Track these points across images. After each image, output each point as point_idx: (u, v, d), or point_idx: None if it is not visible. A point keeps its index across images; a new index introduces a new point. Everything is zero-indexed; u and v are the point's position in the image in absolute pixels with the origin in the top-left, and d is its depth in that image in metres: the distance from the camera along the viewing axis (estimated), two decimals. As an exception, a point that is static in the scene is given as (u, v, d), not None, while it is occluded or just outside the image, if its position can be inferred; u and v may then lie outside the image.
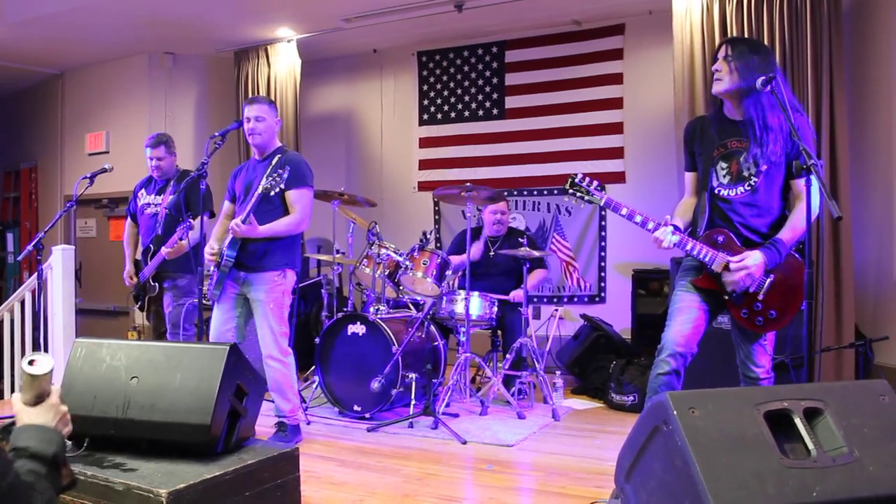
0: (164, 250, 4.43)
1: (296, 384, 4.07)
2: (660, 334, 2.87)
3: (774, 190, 2.85)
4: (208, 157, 3.76)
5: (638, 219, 2.87)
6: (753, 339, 2.87)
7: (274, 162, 3.90)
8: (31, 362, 1.51)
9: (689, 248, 2.83)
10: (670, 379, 2.76)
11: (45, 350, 5.50)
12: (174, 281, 4.65)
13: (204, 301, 3.95)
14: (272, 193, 3.76)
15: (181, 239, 4.37)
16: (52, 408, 1.52)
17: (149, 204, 4.79)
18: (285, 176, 3.70)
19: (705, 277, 2.87)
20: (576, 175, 3.04)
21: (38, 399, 1.52)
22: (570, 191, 3.03)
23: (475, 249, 5.32)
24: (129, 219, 5.02)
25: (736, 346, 2.96)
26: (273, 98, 6.95)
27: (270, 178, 3.68)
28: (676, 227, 2.85)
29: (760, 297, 2.79)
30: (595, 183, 3.03)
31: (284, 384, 3.95)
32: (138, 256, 4.83)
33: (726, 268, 2.79)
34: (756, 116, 2.79)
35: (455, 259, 5.17)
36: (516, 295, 5.16)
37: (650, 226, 2.86)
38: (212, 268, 3.91)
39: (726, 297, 2.84)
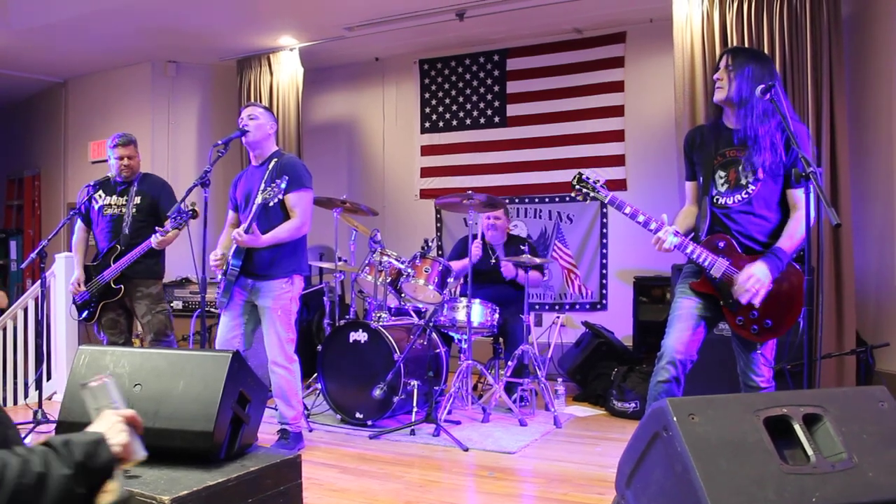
0: (154, 238, 4.25)
1: (300, 391, 4.08)
2: (661, 341, 2.88)
3: (772, 198, 2.86)
4: (211, 166, 3.78)
5: (641, 218, 2.89)
6: (752, 347, 2.88)
7: (271, 167, 3.93)
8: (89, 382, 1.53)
9: (689, 251, 2.85)
10: (670, 386, 2.76)
11: (48, 357, 5.52)
12: (147, 289, 4.54)
13: (211, 309, 3.95)
14: (271, 204, 3.78)
15: (164, 233, 4.25)
16: (109, 417, 1.46)
17: (109, 205, 4.61)
18: (283, 186, 3.71)
19: (704, 281, 2.88)
20: (584, 171, 3.06)
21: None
22: (577, 186, 3.04)
23: (475, 250, 5.33)
24: (79, 222, 4.78)
25: (736, 355, 2.97)
26: (276, 106, 7.00)
27: (269, 189, 3.70)
28: (676, 232, 2.87)
29: (757, 305, 2.80)
30: (602, 180, 3.05)
31: (289, 391, 3.96)
32: (89, 262, 4.64)
33: (731, 280, 2.80)
34: (749, 126, 2.82)
35: (456, 265, 5.18)
36: (506, 271, 5.28)
37: (652, 226, 2.87)
38: (219, 276, 3.93)
39: (722, 304, 2.86)
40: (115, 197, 4.64)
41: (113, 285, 4.48)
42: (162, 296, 4.65)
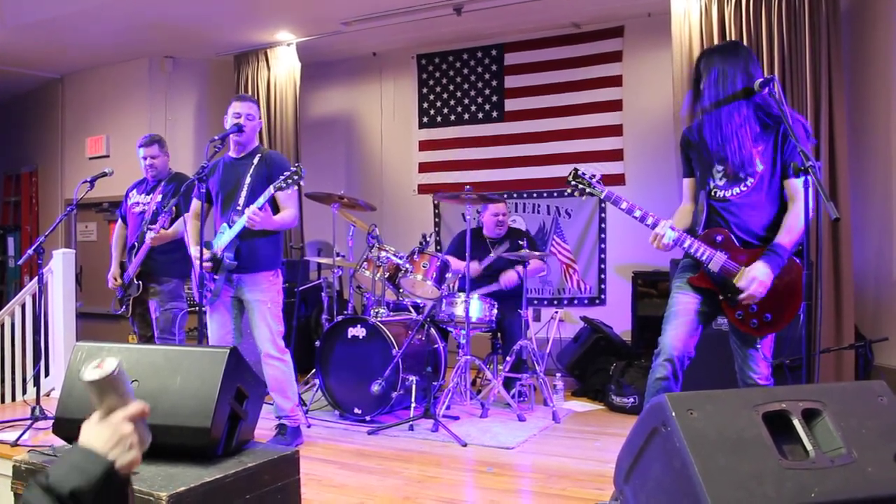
0: (148, 235, 4.39)
1: (295, 383, 4.10)
2: (658, 338, 2.87)
3: (771, 191, 2.84)
4: (208, 161, 3.77)
5: (637, 213, 2.88)
6: (750, 343, 2.87)
7: (256, 161, 3.95)
8: (97, 366, 1.19)
9: (686, 245, 2.84)
10: (668, 384, 2.76)
11: (46, 354, 5.51)
12: (160, 285, 4.61)
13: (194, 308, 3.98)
14: (288, 192, 3.82)
15: (163, 227, 4.39)
16: (111, 427, 1.17)
17: (138, 203, 4.78)
18: (296, 178, 3.73)
19: (702, 276, 2.87)
20: (579, 167, 3.06)
21: (107, 412, 1.19)
22: (573, 182, 3.03)
23: (476, 268, 5.29)
24: (119, 221, 4.99)
25: (734, 352, 2.95)
26: (273, 101, 6.98)
27: (282, 180, 3.71)
28: (673, 226, 2.86)
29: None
30: (598, 176, 3.04)
31: (285, 383, 3.98)
32: (125, 258, 4.79)
33: (729, 274, 2.79)
34: (732, 123, 2.82)
35: (454, 262, 5.16)
36: (507, 281, 5.16)
37: (649, 221, 2.86)
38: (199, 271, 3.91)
39: (721, 298, 2.84)
40: (144, 195, 4.79)
41: (135, 280, 4.61)
42: (176, 293, 4.67)
